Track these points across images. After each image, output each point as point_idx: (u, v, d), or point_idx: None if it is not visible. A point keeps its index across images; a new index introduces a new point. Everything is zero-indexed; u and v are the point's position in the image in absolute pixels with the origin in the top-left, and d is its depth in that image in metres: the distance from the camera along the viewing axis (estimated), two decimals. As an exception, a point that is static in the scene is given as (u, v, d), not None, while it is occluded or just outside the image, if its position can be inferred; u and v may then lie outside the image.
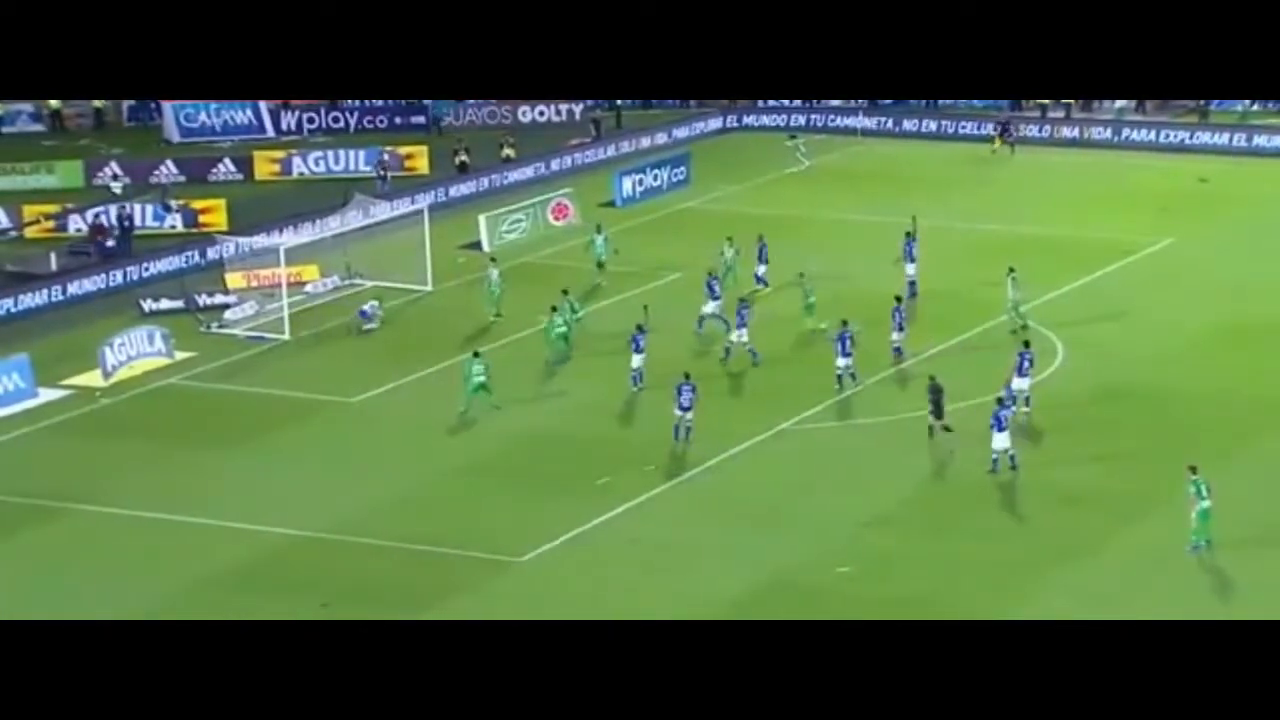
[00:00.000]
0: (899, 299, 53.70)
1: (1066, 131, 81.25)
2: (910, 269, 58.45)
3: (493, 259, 59.41)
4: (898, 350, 52.52)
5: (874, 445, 47.54)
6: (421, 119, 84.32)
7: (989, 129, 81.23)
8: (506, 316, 57.06)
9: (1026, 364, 48.19)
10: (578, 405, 50.57)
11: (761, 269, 59.22)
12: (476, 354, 50.32)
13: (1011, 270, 55.37)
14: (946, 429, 46.76)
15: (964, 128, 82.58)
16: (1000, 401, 45.24)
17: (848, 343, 50.30)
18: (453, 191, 72.94)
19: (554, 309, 54.31)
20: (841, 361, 50.25)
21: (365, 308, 58.03)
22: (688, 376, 47.39)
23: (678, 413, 46.78)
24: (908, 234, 59.21)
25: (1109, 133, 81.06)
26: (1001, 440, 44.84)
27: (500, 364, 51.33)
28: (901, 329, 52.64)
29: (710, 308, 55.44)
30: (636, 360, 50.72)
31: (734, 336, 53.06)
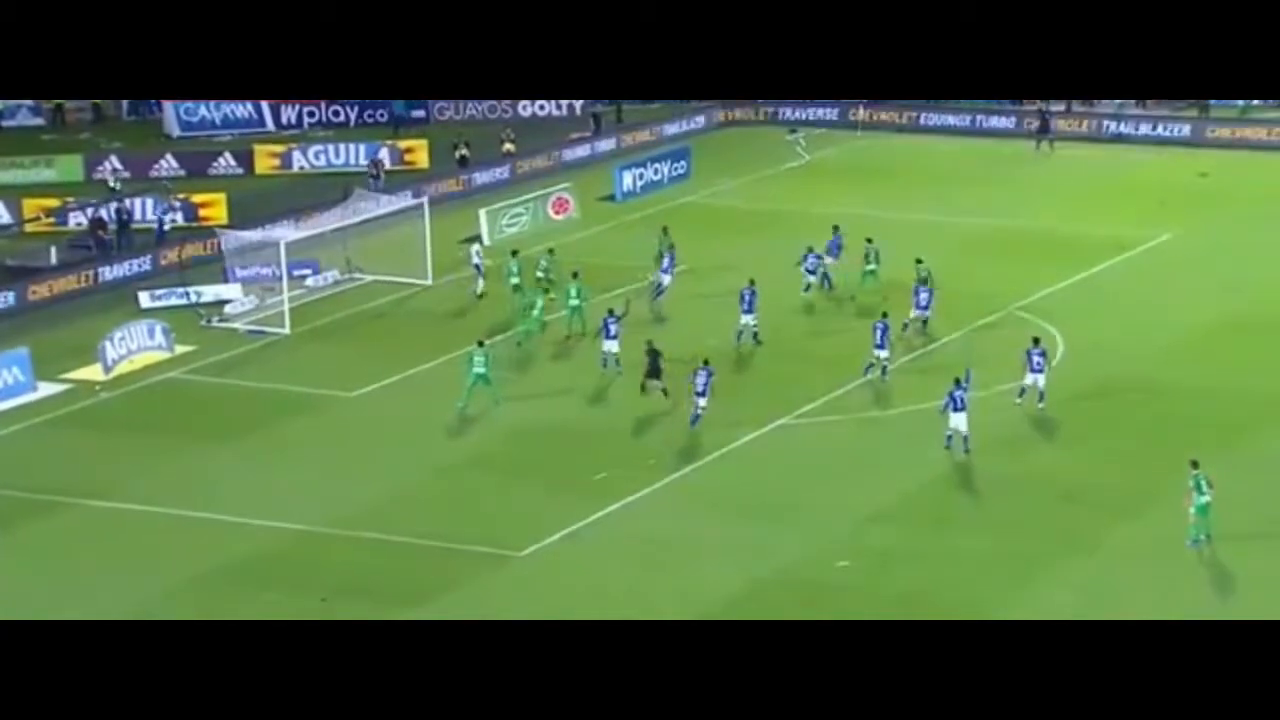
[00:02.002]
0: (923, 280, 54.29)
1: (1065, 126, 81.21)
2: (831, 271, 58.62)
3: (514, 252, 59.46)
4: (910, 326, 53.85)
5: (874, 439, 47.62)
6: (422, 113, 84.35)
7: (981, 123, 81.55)
8: (505, 311, 57.30)
9: (1037, 359, 48.38)
10: (577, 400, 50.62)
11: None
12: (481, 344, 50.43)
13: (869, 240, 57.64)
14: (664, 391, 48.74)
15: (964, 122, 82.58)
16: (957, 382, 45.68)
17: (879, 333, 50.55)
18: (453, 186, 72.93)
19: (547, 290, 56.02)
20: (882, 353, 50.53)
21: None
22: (706, 362, 47.63)
23: (693, 397, 47.16)
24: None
25: (1108, 127, 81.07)
26: (959, 420, 45.30)
27: (501, 358, 51.39)
28: (924, 308, 53.77)
29: (665, 280, 57.98)
30: (611, 346, 51.42)
31: (745, 320, 53.81)
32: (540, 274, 58.32)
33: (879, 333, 50.60)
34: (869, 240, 57.95)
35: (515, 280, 57.58)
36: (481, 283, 59.31)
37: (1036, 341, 49.27)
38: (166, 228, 66.31)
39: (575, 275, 56.17)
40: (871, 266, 57.50)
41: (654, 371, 49.14)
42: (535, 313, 54.73)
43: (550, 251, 60.12)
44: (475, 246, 60.74)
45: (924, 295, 54.02)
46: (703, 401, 47.25)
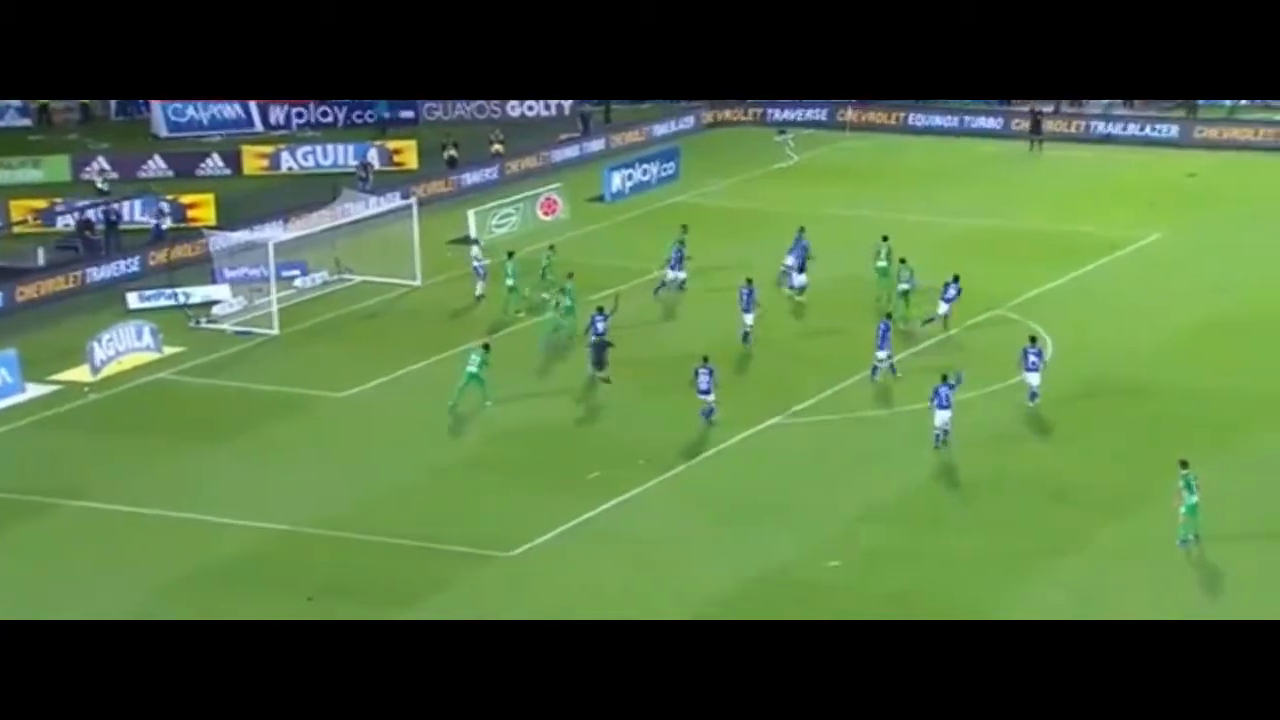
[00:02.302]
0: (956, 277, 54.50)
1: (1053, 127, 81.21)
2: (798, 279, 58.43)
3: (510, 253, 59.32)
4: (932, 319, 54.47)
5: (866, 439, 47.59)
6: (411, 114, 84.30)
7: (969, 124, 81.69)
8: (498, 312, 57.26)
9: (1032, 358, 48.44)
10: (569, 399, 50.59)
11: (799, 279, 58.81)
12: (486, 346, 50.34)
13: (885, 238, 57.61)
14: (606, 380, 50.03)
15: (952, 122, 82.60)
16: (944, 379, 45.70)
17: (881, 334, 50.56)
18: (442, 186, 72.87)
19: (562, 290, 55.14)
20: (881, 354, 50.51)
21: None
22: (706, 360, 47.65)
23: (699, 396, 47.29)
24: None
25: (1096, 127, 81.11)
26: (943, 417, 45.56)
27: (493, 358, 51.36)
28: (947, 301, 54.20)
29: (671, 276, 58.69)
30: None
31: (746, 319, 53.96)
32: (541, 271, 58.29)
33: (881, 333, 50.61)
34: (884, 238, 57.86)
35: (510, 281, 57.55)
36: (481, 285, 59.26)
37: (1033, 340, 49.36)
38: (164, 227, 66.26)
39: (570, 276, 56.06)
40: (882, 264, 57.37)
41: (599, 362, 49.93)
42: (549, 313, 54.67)
43: (551, 249, 60.16)
44: (475, 249, 60.69)
45: (951, 291, 54.05)
46: (710, 399, 47.39)
